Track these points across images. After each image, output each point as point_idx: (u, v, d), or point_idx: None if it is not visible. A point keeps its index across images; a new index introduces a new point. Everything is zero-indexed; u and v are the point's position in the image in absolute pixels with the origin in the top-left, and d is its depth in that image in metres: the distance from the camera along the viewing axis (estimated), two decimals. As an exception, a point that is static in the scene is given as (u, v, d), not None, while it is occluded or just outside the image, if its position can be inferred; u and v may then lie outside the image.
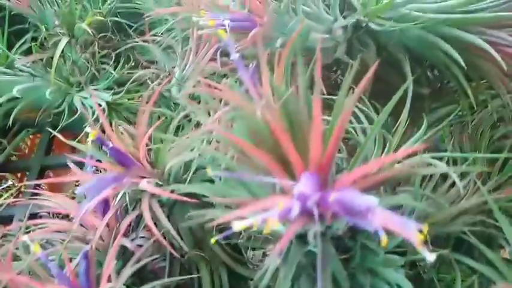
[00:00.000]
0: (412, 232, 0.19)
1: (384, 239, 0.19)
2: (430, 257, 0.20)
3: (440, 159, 0.46)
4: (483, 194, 0.45)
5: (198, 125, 0.39)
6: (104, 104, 0.59)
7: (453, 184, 0.46)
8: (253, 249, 0.41)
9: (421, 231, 0.19)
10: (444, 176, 0.47)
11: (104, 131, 0.40)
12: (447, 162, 0.48)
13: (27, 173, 0.65)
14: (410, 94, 0.43)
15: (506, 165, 0.47)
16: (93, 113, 0.59)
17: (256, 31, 0.38)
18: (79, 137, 0.57)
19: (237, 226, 0.19)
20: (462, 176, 0.46)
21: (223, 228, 0.45)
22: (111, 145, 0.36)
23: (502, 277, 0.37)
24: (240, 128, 0.26)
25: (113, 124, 0.40)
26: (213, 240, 0.25)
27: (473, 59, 0.44)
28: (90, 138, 0.37)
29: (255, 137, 0.25)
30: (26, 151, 0.84)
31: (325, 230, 0.27)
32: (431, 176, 0.44)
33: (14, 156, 0.72)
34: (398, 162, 0.35)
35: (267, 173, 0.25)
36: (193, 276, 0.41)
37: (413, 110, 0.53)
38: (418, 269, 0.43)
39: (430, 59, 0.48)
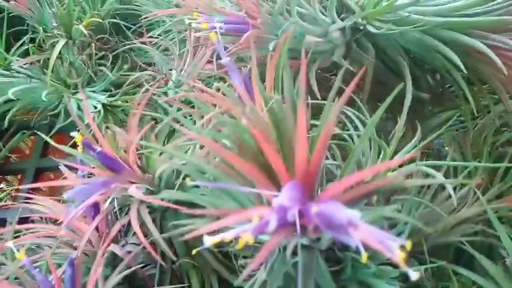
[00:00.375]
0: (393, 249, 0.18)
1: (364, 254, 0.18)
2: (414, 275, 0.18)
3: (439, 166, 0.45)
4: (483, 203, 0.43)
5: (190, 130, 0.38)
6: (99, 106, 0.58)
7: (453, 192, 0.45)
8: (245, 257, 0.40)
9: (403, 248, 0.18)
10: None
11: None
12: (447, 169, 0.46)
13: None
14: (409, 98, 0.42)
15: (508, 173, 0.45)
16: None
17: (249, 34, 0.37)
18: (74, 139, 0.56)
19: (208, 241, 0.18)
20: (462, 184, 0.45)
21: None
22: (98, 149, 0.35)
23: (500, 289, 0.36)
24: (226, 135, 0.25)
25: (104, 128, 0.39)
26: (194, 251, 0.24)
27: (474, 63, 0.43)
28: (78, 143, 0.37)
29: (241, 145, 0.24)
30: (27, 152, 0.83)
31: (311, 243, 0.26)
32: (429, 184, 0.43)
33: (14, 158, 0.72)
34: (393, 170, 0.34)
35: (250, 183, 0.24)
36: (183, 285, 0.40)
37: (414, 115, 0.52)
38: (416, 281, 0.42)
39: (430, 63, 0.47)
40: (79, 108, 0.60)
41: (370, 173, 0.22)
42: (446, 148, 0.51)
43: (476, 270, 0.40)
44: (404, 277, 0.42)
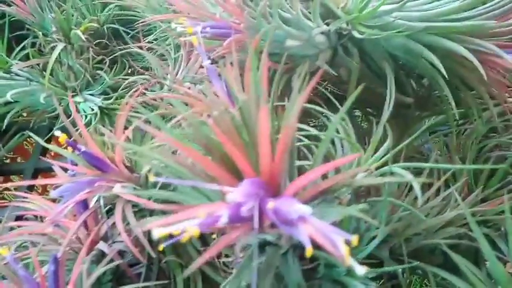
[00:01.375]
0: (339, 243, 0.19)
1: (309, 249, 0.19)
2: (360, 270, 0.19)
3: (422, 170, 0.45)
4: (468, 204, 0.44)
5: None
6: (96, 109, 0.60)
7: (437, 194, 0.45)
8: (227, 255, 0.41)
9: (348, 243, 0.19)
10: (429, 186, 0.46)
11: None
12: (432, 173, 0.47)
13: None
14: (391, 103, 0.42)
15: (492, 177, 0.46)
16: (86, 117, 0.59)
17: (232, 38, 0.38)
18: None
19: (157, 233, 0.19)
20: (447, 186, 0.45)
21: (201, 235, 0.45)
22: (83, 149, 0.36)
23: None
24: (194, 135, 0.26)
25: (93, 129, 0.40)
26: (160, 247, 0.25)
27: (459, 69, 0.44)
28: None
29: (208, 145, 0.25)
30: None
31: (275, 240, 0.26)
32: (411, 186, 0.43)
33: (18, 159, 0.74)
34: (367, 171, 0.34)
35: (217, 181, 0.24)
36: (165, 282, 0.41)
37: (400, 120, 0.52)
38: (398, 281, 0.42)
39: (416, 68, 0.47)
40: (77, 110, 0.61)
41: (330, 168, 0.23)
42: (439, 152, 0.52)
43: (461, 273, 0.40)
44: (386, 278, 0.42)
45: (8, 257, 0.34)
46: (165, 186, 0.41)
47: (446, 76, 0.40)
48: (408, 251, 0.41)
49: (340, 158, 0.38)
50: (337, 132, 0.40)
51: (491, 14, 0.41)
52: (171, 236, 0.21)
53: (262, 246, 0.29)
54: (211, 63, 0.35)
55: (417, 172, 0.46)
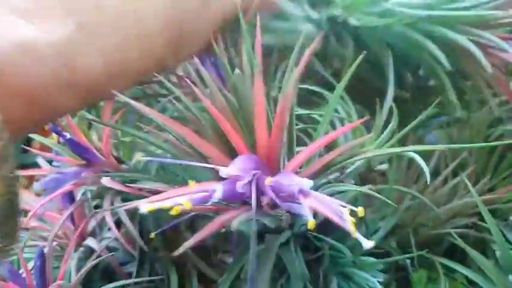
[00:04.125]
0: (344, 215, 0.17)
1: (311, 222, 0.17)
2: (367, 243, 0.17)
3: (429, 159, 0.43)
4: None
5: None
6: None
7: (445, 183, 0.43)
8: (225, 251, 0.39)
9: (354, 215, 0.17)
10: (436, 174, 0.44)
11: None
12: (439, 164, 0.45)
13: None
14: (391, 95, 0.40)
15: (500, 165, 0.44)
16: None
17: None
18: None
19: (144, 208, 0.17)
20: (454, 174, 0.43)
21: (194, 229, 0.42)
22: (68, 136, 0.34)
23: (492, 284, 0.34)
24: (188, 114, 0.24)
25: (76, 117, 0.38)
26: (152, 235, 0.23)
27: (460, 60, 0.41)
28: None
29: (201, 124, 0.23)
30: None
31: (278, 225, 0.24)
32: (419, 174, 0.41)
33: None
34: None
35: (210, 160, 0.22)
36: (158, 277, 0.38)
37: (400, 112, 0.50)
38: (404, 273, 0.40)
39: (414, 58, 0.45)
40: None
41: (325, 142, 0.21)
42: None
43: (469, 263, 0.39)
44: (393, 270, 0.40)
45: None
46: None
47: (450, 67, 0.38)
48: (416, 242, 0.39)
49: (343, 143, 0.36)
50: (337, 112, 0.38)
51: (496, 3, 0.39)
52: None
53: (261, 234, 0.27)
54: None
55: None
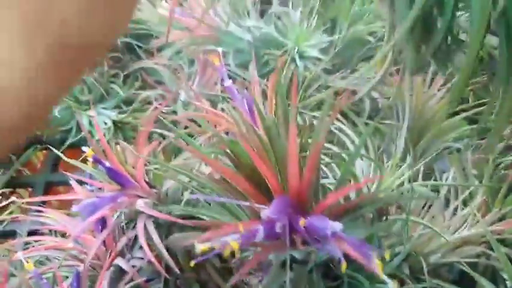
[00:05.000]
0: (372, 258, 0.19)
1: (343, 264, 0.19)
2: (392, 285, 0.19)
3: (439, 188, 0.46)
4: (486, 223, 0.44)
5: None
6: (110, 123, 0.60)
7: (454, 212, 0.45)
8: (250, 273, 0.41)
9: (382, 259, 0.19)
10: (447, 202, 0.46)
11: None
12: (449, 191, 0.47)
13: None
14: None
15: (510, 195, 0.46)
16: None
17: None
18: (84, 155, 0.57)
19: (199, 248, 0.19)
20: (464, 204, 0.45)
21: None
22: (107, 165, 0.37)
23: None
24: (225, 152, 0.26)
25: (113, 144, 0.40)
26: (192, 263, 0.25)
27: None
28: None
29: (238, 162, 0.25)
30: (38, 167, 0.85)
31: (304, 257, 0.26)
32: (430, 204, 0.43)
33: (26, 172, 0.74)
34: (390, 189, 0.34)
35: (246, 198, 0.25)
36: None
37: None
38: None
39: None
40: (90, 124, 0.62)
41: (355, 188, 0.23)
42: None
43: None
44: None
45: (32, 272, 0.34)
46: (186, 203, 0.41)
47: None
48: (427, 270, 0.41)
49: (360, 174, 0.38)
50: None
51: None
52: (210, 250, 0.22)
53: (289, 264, 0.29)
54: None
55: (433, 190, 0.46)
